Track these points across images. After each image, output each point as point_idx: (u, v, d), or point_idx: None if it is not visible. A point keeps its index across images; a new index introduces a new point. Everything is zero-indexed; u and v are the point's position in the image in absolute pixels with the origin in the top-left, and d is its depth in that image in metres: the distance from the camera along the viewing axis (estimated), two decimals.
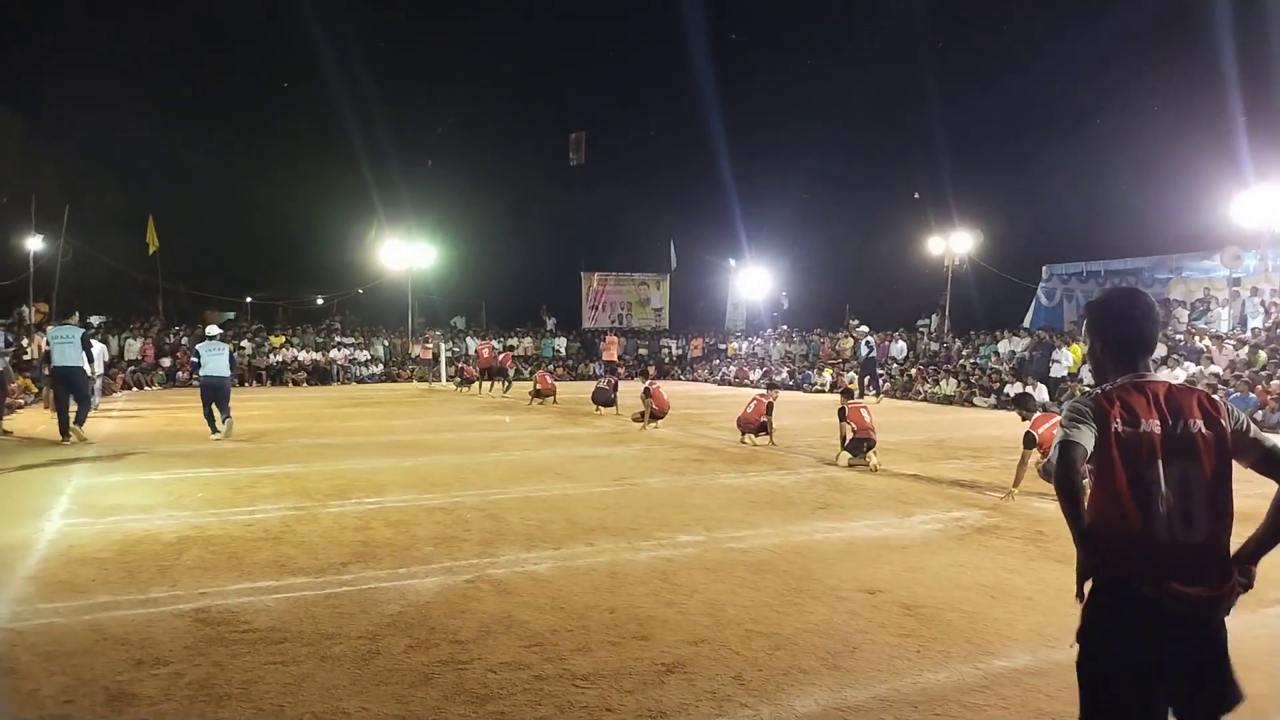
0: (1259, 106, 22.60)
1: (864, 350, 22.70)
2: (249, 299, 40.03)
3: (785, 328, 33.73)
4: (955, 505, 8.07)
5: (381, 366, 30.56)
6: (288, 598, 5.02)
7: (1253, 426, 2.38)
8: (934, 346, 26.91)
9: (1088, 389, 2.64)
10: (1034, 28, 36.91)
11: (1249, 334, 19.39)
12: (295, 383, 27.70)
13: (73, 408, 12.14)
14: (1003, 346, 23.67)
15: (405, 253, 31.64)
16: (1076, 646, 2.41)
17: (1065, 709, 3.51)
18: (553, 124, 48.19)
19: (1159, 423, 2.32)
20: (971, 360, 23.96)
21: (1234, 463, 2.36)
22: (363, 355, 30.52)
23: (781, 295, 37.56)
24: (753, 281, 36.80)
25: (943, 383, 22.91)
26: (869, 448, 10.31)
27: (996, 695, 3.78)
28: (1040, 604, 5.01)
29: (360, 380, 29.22)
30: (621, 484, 9.04)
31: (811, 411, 18.70)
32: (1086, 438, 2.34)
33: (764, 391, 12.81)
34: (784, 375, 27.15)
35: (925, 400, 22.61)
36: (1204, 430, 2.31)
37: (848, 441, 10.47)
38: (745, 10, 50.08)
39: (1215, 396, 2.41)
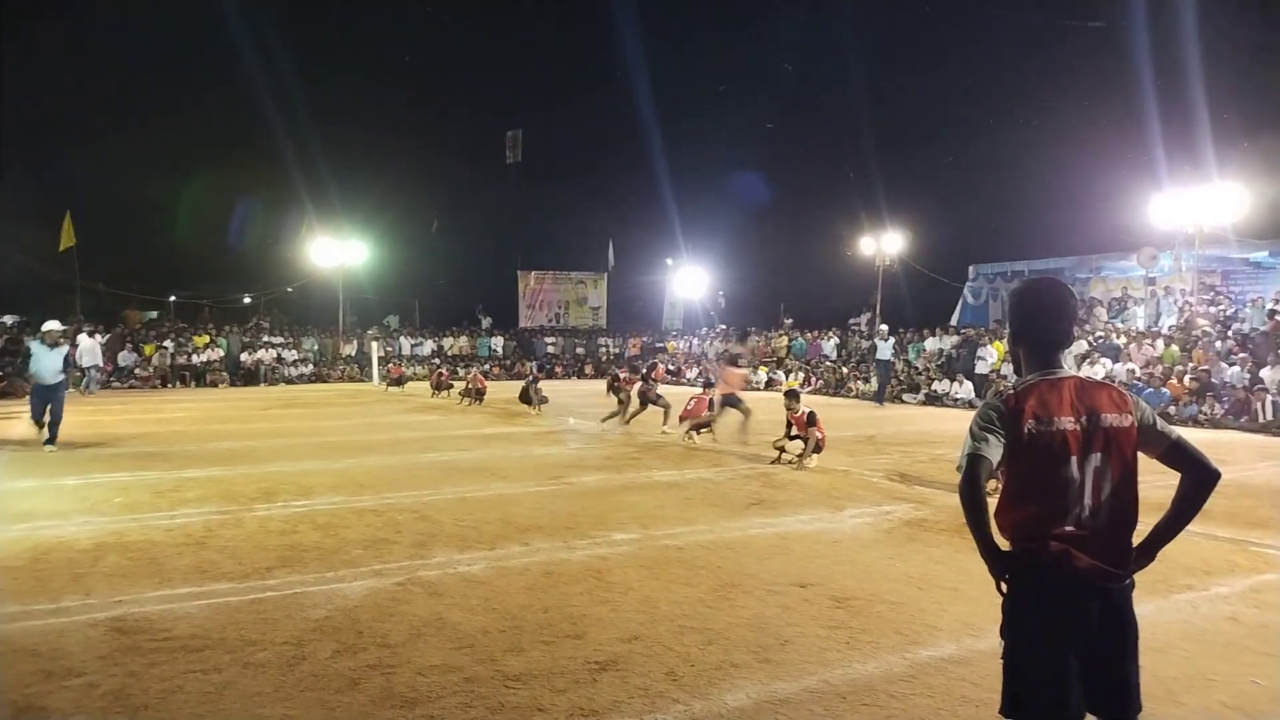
0: (1173, 110, 23.45)
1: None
2: (173, 298, 38.72)
3: (723, 326, 33.98)
4: (885, 499, 8.23)
5: (311, 366, 29.86)
6: (210, 604, 4.87)
7: (1159, 420, 2.44)
8: (865, 344, 27.36)
9: (1009, 385, 2.66)
10: (954, 31, 37.97)
11: (1164, 331, 20.19)
12: (215, 383, 26.88)
13: None
14: (930, 344, 24.22)
15: (336, 250, 30.95)
16: (1001, 643, 2.46)
17: (989, 696, 3.59)
18: (489, 121, 47.66)
19: (1072, 419, 2.34)
20: (902, 358, 24.44)
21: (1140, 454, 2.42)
22: (291, 355, 29.78)
23: (719, 294, 37.82)
24: (690, 280, 36.99)
25: (873, 380, 23.32)
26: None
27: (923, 685, 3.86)
28: (966, 594, 5.13)
29: (289, 381, 28.52)
30: (558, 483, 9.00)
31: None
32: (993, 450, 2.35)
33: (701, 391, 12.90)
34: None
35: (856, 397, 23.01)
36: (1114, 424, 2.36)
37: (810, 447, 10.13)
38: (676, 8, 50.39)
39: (1123, 391, 2.48)
